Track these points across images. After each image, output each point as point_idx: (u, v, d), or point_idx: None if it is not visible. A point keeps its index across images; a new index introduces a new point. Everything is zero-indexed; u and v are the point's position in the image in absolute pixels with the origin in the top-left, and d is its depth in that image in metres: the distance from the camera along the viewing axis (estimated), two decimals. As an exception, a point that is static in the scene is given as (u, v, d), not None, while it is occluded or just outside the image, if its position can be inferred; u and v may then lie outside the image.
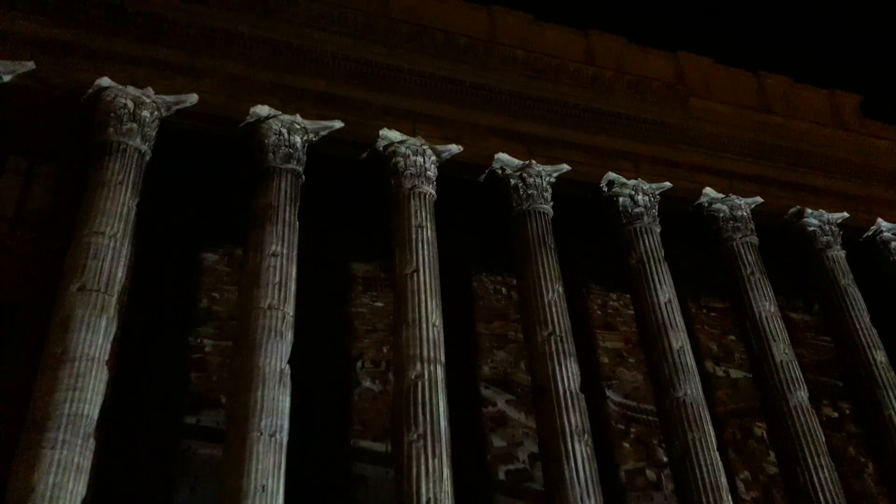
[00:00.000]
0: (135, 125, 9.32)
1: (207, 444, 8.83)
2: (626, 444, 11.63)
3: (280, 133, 10.07)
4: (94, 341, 7.70)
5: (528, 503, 10.16)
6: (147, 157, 9.38)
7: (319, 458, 9.54)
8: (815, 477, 10.35)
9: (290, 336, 8.59)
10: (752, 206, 12.76)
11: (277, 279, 8.80)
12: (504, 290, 12.09)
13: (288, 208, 9.50)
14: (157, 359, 9.14)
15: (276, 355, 8.34)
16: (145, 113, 9.48)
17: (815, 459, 10.48)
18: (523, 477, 10.41)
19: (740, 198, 12.69)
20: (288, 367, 8.39)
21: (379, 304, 10.88)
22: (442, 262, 10.12)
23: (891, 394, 11.68)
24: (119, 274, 8.22)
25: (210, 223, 10.42)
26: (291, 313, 8.76)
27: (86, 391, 7.44)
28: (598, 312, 12.74)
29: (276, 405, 8.10)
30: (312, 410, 9.45)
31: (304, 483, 8.70)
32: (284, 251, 9.05)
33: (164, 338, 9.37)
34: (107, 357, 7.76)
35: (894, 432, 11.37)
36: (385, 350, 10.38)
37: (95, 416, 7.46)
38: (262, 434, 7.87)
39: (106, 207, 8.52)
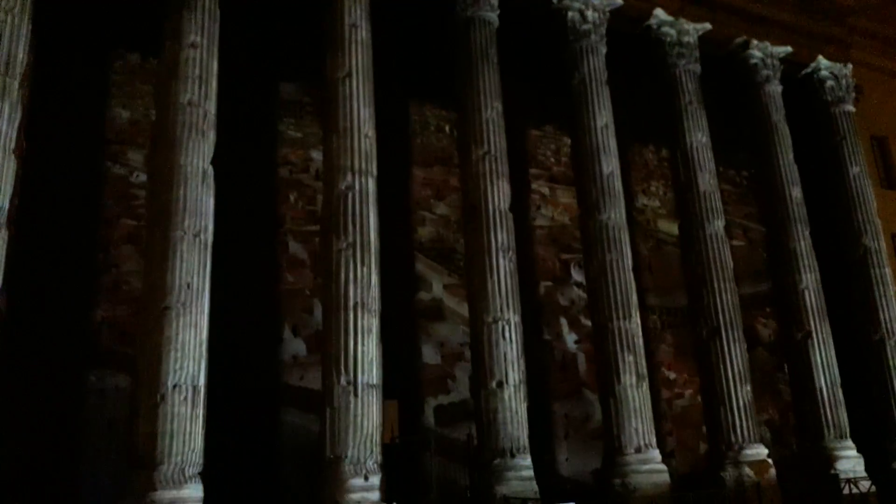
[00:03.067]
0: None
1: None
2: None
3: None
4: (-2, 127, 7.15)
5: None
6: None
7: (248, 264, 9.59)
8: (717, 299, 11.12)
9: (212, 136, 8.18)
10: (700, 32, 12.44)
11: (197, 73, 8.18)
12: (448, 128, 11.62)
13: (208, -8, 8.62)
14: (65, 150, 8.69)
15: (198, 154, 7.98)
16: None
17: (721, 283, 11.20)
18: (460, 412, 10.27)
19: (689, 23, 12.35)
20: (211, 167, 8.08)
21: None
22: (378, 83, 9.41)
23: (799, 227, 12.37)
24: (20, 55, 7.48)
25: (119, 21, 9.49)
26: (213, 112, 8.27)
27: (-8, 180, 7.03)
28: (552, 159, 12.58)
29: (199, 205, 7.89)
30: (238, 219, 9.34)
31: (233, 286, 8.75)
32: (204, 42, 8.33)
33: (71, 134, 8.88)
34: (13, 145, 7.26)
35: (795, 262, 12.20)
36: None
37: (6, 207, 7.11)
38: (185, 233, 7.72)
39: (-2, -24, 7.54)
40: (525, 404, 9.41)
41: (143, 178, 9.21)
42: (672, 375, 12.61)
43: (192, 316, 7.55)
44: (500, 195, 10.01)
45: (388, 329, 8.75)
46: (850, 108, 13.72)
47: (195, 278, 7.69)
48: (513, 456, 9.06)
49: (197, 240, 7.78)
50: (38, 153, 8.25)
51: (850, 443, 11.46)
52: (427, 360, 10.77)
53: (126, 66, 9.70)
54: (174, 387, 7.27)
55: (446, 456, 10.27)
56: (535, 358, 10.82)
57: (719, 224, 11.49)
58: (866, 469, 11.30)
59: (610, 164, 10.86)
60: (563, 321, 11.83)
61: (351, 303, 8.43)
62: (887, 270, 12.98)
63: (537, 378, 10.88)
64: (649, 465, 9.76)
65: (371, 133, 9.11)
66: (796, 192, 12.55)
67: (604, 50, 11.37)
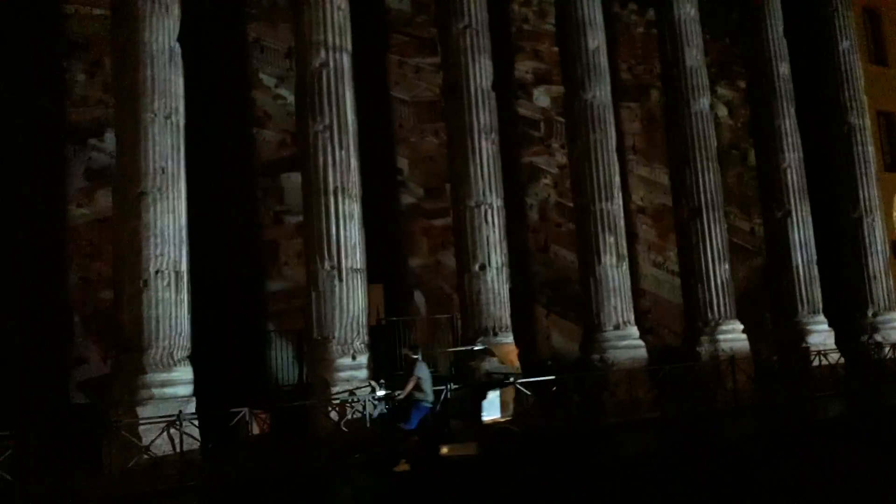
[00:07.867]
0: None
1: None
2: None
3: None
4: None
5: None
6: None
7: (222, 143, 9.33)
8: (700, 178, 11.07)
9: (176, 11, 7.69)
10: None
11: (157, -61, 7.59)
12: None
13: None
14: None
15: (164, 31, 7.53)
16: None
17: (704, 163, 11.10)
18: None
19: None
20: (178, 45, 7.65)
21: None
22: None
23: (785, 104, 12.16)
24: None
25: None
26: (176, -17, 7.74)
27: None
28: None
29: (168, 86, 7.52)
30: (211, 99, 8.99)
31: (207, 167, 8.53)
32: None
33: None
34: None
35: (779, 140, 12.09)
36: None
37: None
38: (156, 115, 7.42)
39: None
40: (507, 286, 9.53)
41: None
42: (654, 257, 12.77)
43: (169, 201, 7.39)
44: (482, 73, 9.69)
45: (371, 215, 8.68)
46: (845, -23, 13.21)
47: (169, 162, 7.46)
48: (495, 334, 9.25)
49: (168, 122, 7.49)
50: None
51: (821, 317, 11.81)
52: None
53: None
54: (156, 272, 7.22)
55: (432, 336, 10.49)
56: (517, 240, 10.88)
57: (704, 102, 11.26)
58: (837, 342, 11.72)
59: (596, 39, 10.48)
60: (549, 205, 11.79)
61: (331, 187, 8.29)
62: (870, 148, 12.96)
63: (520, 260, 10.97)
64: (627, 341, 10.04)
65: (344, 5, 8.64)
66: (784, 68, 12.25)
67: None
